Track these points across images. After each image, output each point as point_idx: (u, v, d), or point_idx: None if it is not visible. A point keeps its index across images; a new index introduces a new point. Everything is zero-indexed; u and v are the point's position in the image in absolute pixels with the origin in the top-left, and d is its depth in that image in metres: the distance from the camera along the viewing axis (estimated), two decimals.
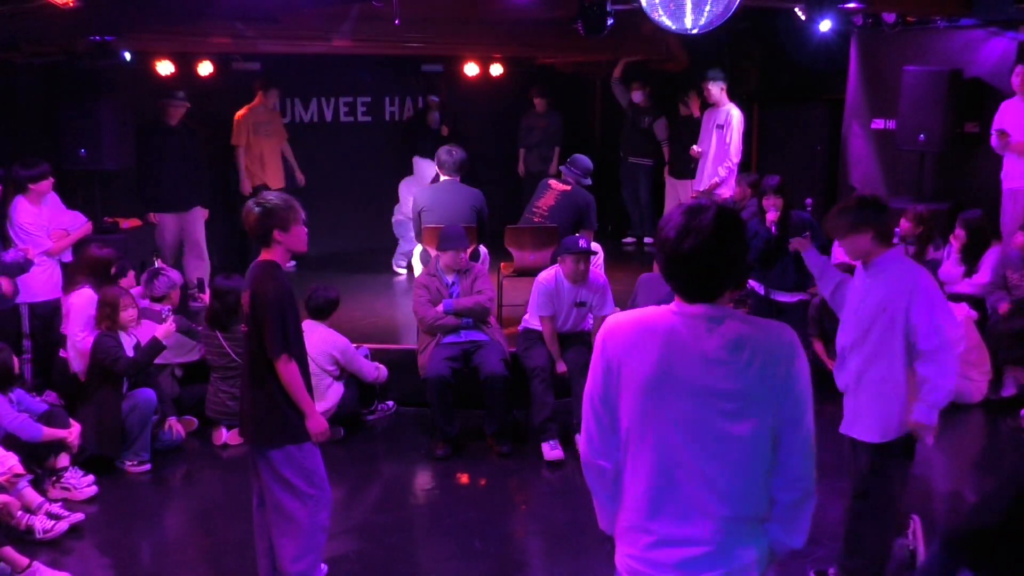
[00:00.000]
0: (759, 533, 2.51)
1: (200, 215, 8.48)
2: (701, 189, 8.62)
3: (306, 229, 4.18)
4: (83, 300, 6.24)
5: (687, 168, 9.35)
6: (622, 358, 2.48)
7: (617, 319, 2.56)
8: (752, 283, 6.99)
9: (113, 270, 6.45)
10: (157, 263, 7.13)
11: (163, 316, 6.18)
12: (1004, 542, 1.97)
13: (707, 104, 9.03)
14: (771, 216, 6.69)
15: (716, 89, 8.65)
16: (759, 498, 2.48)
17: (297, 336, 4.15)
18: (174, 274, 6.89)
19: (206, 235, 8.55)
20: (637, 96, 10.04)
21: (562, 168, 7.77)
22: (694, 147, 8.86)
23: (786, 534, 2.54)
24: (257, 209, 4.05)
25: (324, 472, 4.26)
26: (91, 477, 5.61)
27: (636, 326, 2.50)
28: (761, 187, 6.90)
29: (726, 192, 8.44)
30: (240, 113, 9.15)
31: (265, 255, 4.13)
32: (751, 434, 2.41)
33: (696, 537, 2.44)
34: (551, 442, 6.10)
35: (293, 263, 8.63)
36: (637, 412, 2.47)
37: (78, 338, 6.16)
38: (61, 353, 6.39)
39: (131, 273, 6.80)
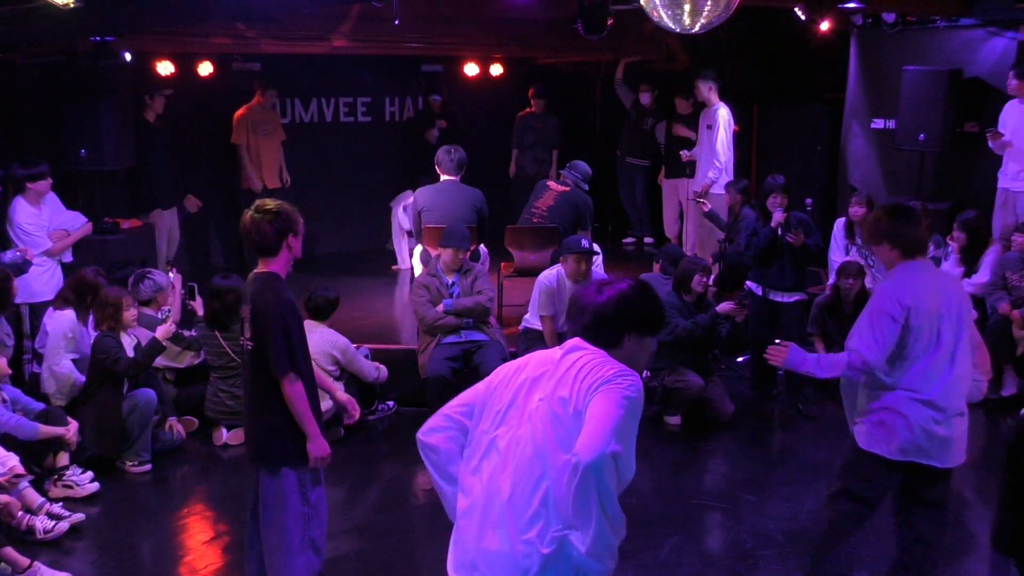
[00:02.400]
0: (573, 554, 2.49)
1: (176, 214, 8.60)
2: (697, 191, 8.62)
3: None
4: (63, 324, 6.12)
5: (679, 167, 9.37)
6: None
7: None
8: (750, 284, 6.98)
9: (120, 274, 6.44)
10: (173, 271, 7.03)
11: (162, 316, 6.16)
12: None
13: (696, 102, 9.06)
14: (778, 216, 6.64)
15: (705, 88, 8.67)
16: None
17: (303, 351, 3.95)
18: (160, 277, 6.78)
19: (207, 235, 8.57)
20: (645, 98, 10.02)
21: (562, 172, 7.81)
22: (683, 151, 8.89)
23: (578, 539, 2.45)
24: (266, 216, 3.83)
25: (322, 491, 4.09)
26: (91, 474, 5.61)
27: None
28: (765, 186, 6.88)
29: (719, 192, 8.41)
30: (239, 112, 9.17)
31: (263, 266, 3.92)
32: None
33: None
34: None
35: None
36: None
37: (53, 362, 6.09)
38: (35, 368, 6.26)
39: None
